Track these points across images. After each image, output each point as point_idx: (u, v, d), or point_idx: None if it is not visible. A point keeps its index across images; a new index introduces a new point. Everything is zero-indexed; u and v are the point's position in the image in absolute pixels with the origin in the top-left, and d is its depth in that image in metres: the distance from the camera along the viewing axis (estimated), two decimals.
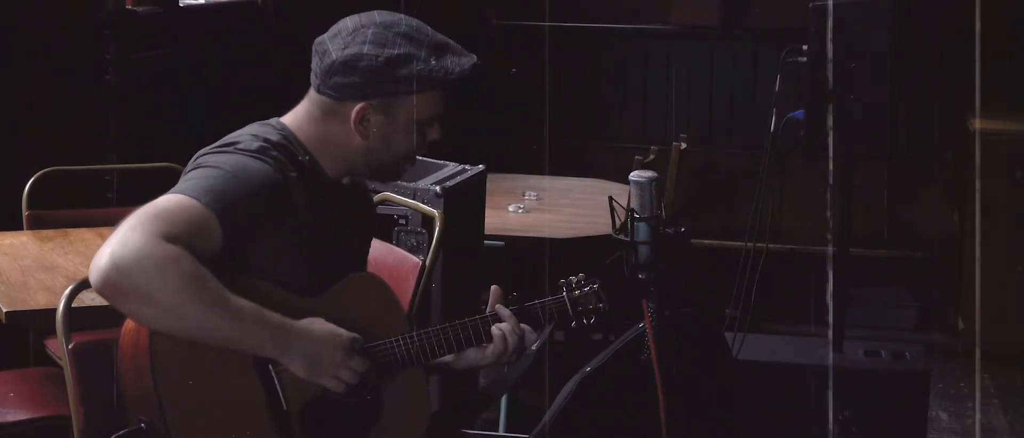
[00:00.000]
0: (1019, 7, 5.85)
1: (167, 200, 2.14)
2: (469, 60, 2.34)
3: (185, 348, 2.12)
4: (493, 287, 2.48)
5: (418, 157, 2.43)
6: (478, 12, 6.57)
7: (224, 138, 2.31)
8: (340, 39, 2.31)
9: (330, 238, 2.34)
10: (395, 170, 2.42)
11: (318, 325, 2.21)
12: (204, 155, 2.27)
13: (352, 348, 2.23)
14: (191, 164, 2.27)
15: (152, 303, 2.06)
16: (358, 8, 2.41)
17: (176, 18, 4.78)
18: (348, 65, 2.29)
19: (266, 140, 2.28)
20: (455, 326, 2.41)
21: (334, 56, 2.30)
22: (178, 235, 2.08)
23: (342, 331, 2.22)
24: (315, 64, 2.35)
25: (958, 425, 4.85)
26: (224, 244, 2.15)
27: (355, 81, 2.29)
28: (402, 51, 2.29)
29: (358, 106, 2.30)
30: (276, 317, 2.16)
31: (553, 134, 6.58)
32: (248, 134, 2.31)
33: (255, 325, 2.13)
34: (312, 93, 2.36)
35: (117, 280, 2.04)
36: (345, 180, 2.42)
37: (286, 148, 2.30)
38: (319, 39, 2.35)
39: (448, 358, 2.47)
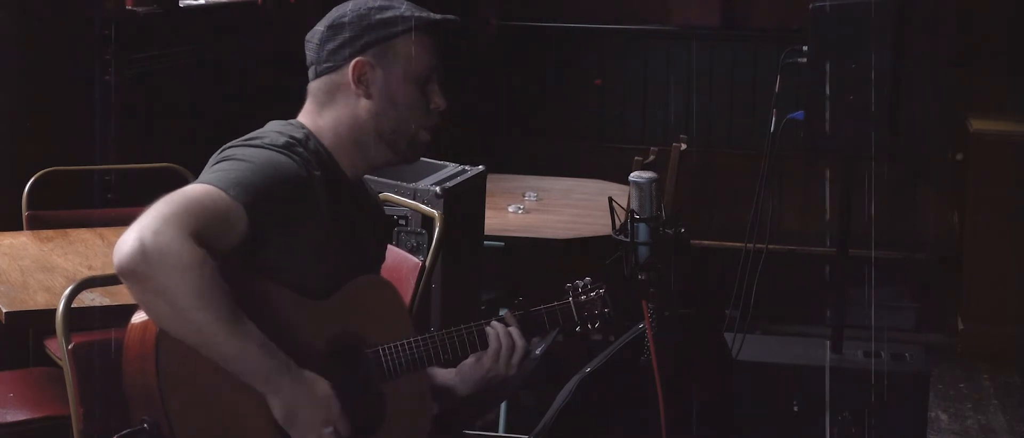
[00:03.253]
0: (1019, 7, 5.86)
1: (196, 190, 2.14)
2: (449, 15, 2.42)
3: (190, 348, 2.11)
4: (505, 312, 2.49)
5: (421, 159, 2.44)
6: (478, 12, 6.57)
7: (250, 134, 2.32)
8: (326, 17, 2.40)
9: (346, 241, 2.34)
10: (409, 137, 2.40)
11: (321, 386, 2.19)
12: (232, 147, 2.27)
13: (333, 422, 2.20)
14: (217, 156, 2.27)
15: (166, 299, 2.05)
16: None
17: (176, 18, 4.78)
18: (335, 26, 2.37)
19: (292, 137, 2.30)
20: (460, 330, 2.41)
21: (322, 29, 2.39)
22: (205, 231, 2.07)
23: (336, 404, 2.19)
24: (308, 53, 2.41)
25: (958, 425, 4.85)
26: (247, 237, 2.15)
27: (345, 38, 2.35)
28: (382, 3, 2.39)
29: (354, 63, 2.35)
30: (281, 355, 2.14)
31: (553, 134, 6.59)
32: (273, 131, 2.33)
33: (256, 355, 2.11)
34: (311, 86, 2.40)
35: (139, 267, 2.03)
36: (363, 190, 2.43)
37: (309, 146, 2.31)
38: (309, 32, 2.42)
39: (453, 383, 2.48)
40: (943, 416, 4.92)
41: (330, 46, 2.36)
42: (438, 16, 2.39)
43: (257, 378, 2.13)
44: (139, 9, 4.54)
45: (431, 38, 2.39)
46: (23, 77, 4.08)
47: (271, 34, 5.37)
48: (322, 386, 2.19)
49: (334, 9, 2.41)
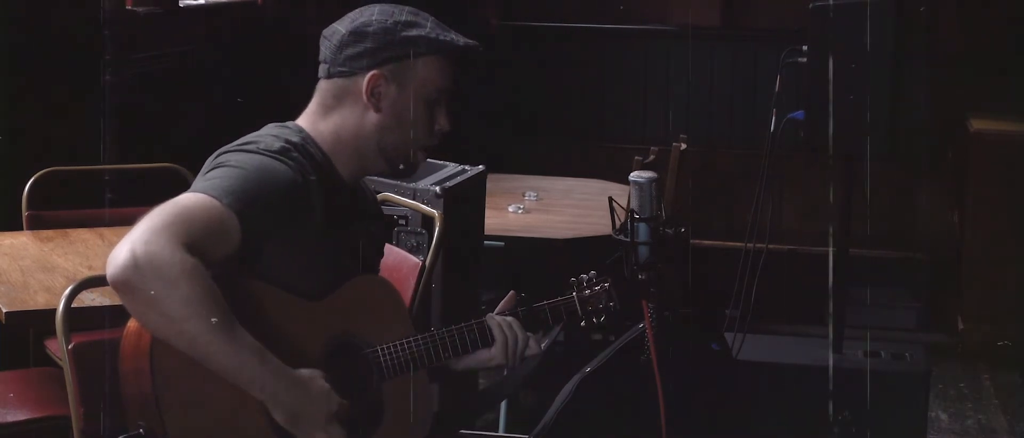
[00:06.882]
0: (1019, 7, 5.86)
1: (189, 199, 2.13)
2: (472, 41, 2.39)
3: (185, 354, 2.11)
4: (511, 293, 2.48)
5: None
6: (478, 12, 6.57)
7: (244, 138, 2.31)
8: (348, 18, 2.38)
9: (342, 244, 2.33)
10: (408, 155, 2.39)
11: (316, 383, 2.18)
12: (225, 154, 2.26)
13: (336, 415, 2.19)
14: (211, 162, 2.26)
15: (158, 309, 2.04)
16: (357, 7, 2.42)
17: (176, 18, 4.78)
18: (358, 33, 2.34)
19: (287, 141, 2.28)
20: (461, 328, 2.40)
21: (344, 31, 2.35)
22: (198, 240, 2.07)
23: (334, 396, 2.19)
24: (324, 50, 2.38)
25: (958, 425, 4.85)
26: (241, 245, 2.14)
27: (366, 47, 2.33)
28: (409, 18, 2.36)
29: (370, 75, 2.33)
30: (275, 362, 2.13)
31: (553, 134, 6.59)
32: (269, 135, 2.31)
33: (251, 362, 2.11)
34: (321, 84, 2.38)
35: (131, 278, 2.03)
36: (360, 192, 2.43)
37: (305, 150, 2.30)
38: (328, 28, 2.39)
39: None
40: (943, 416, 4.92)
41: (349, 52, 2.34)
42: (462, 42, 2.37)
43: (253, 387, 2.13)
44: (139, 9, 4.54)
45: (448, 61, 2.38)
46: (23, 77, 4.07)
47: (271, 34, 5.36)
48: (317, 383, 2.18)
49: (358, 12, 2.37)
